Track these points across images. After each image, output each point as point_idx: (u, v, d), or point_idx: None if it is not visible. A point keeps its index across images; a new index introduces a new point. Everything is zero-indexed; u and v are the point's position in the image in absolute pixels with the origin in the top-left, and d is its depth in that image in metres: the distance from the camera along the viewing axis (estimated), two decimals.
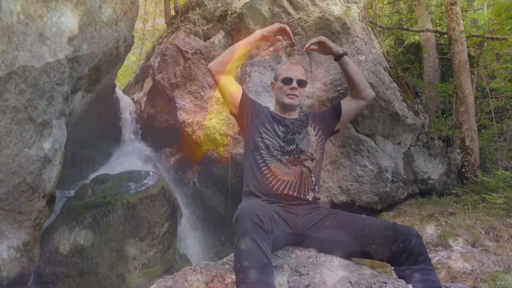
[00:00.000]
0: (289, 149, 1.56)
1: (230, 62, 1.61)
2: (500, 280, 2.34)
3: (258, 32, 1.66)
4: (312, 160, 1.57)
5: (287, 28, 1.63)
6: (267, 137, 1.60)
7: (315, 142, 1.62)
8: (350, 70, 1.64)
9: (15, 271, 3.00)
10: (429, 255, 1.28)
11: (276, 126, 1.63)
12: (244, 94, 1.66)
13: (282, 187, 1.50)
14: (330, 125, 1.70)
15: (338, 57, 1.64)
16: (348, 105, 1.69)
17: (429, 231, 3.36)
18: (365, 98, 1.67)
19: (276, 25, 1.64)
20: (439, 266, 2.82)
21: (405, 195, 4.40)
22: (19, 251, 3.06)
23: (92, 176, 4.59)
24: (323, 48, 1.65)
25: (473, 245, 2.97)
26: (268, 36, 1.65)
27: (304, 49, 1.67)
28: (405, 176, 4.33)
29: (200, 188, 5.14)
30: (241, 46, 1.65)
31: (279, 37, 1.68)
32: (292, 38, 1.66)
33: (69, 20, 3.02)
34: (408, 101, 4.35)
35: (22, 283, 3.16)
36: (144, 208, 4.04)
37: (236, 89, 1.65)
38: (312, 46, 1.64)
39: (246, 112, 1.66)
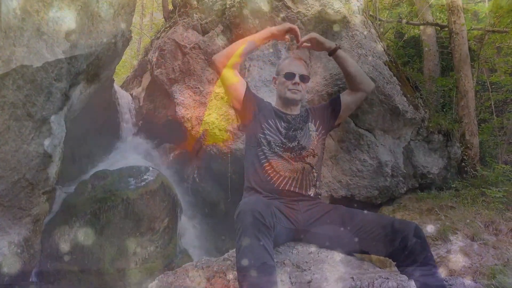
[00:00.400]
0: (291, 146, 1.56)
1: (234, 55, 1.58)
2: (499, 274, 2.35)
3: (268, 30, 1.64)
4: (313, 156, 1.57)
5: (297, 29, 1.61)
6: (269, 133, 1.58)
7: (316, 138, 1.61)
8: (345, 63, 1.62)
9: (17, 267, 3.01)
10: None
11: (278, 122, 1.61)
12: (248, 89, 1.64)
13: (283, 183, 1.50)
14: (330, 120, 1.69)
15: (332, 52, 1.62)
16: (348, 99, 1.67)
17: (429, 225, 3.37)
18: (364, 90, 1.65)
19: (286, 25, 1.62)
20: (438, 260, 2.83)
21: (405, 189, 4.40)
22: (20, 246, 3.07)
23: (91, 172, 4.59)
24: (315, 44, 1.63)
25: (472, 239, 2.98)
26: (277, 35, 1.63)
27: (297, 47, 1.65)
28: (404, 171, 4.34)
29: (199, 183, 5.15)
30: (248, 41, 1.62)
31: (288, 37, 1.66)
32: (300, 40, 1.62)
33: (66, 15, 2.98)
34: (408, 95, 4.33)
35: (24, 279, 3.18)
36: (144, 204, 4.05)
37: (240, 83, 1.63)
38: (305, 43, 1.62)
39: (249, 107, 1.63)
